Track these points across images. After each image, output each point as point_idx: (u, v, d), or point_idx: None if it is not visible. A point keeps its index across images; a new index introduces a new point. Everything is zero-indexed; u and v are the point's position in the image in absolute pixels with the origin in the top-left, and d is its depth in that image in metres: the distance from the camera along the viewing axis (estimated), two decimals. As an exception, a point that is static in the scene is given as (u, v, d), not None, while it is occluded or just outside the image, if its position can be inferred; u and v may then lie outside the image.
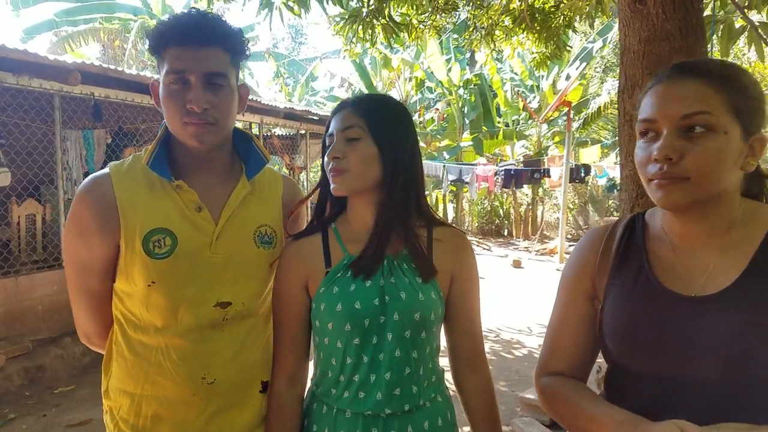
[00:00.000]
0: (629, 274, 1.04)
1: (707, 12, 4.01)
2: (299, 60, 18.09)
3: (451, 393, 1.34)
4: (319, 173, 1.37)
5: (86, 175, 5.83)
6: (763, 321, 0.89)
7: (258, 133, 8.33)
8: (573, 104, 11.78)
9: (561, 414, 1.10)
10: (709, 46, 3.64)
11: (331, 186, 1.22)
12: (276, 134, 10.01)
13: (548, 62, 7.15)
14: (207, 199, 1.24)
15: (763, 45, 3.70)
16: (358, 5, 5.80)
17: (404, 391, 1.20)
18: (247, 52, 1.27)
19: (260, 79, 20.60)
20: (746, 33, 3.76)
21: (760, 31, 3.63)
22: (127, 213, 1.20)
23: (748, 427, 0.84)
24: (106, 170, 1.26)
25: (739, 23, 3.82)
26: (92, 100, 5.46)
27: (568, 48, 7.58)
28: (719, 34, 3.81)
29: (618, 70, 3.21)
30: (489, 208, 17.09)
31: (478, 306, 1.33)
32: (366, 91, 15.65)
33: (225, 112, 1.22)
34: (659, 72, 0.99)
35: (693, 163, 0.90)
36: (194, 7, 1.26)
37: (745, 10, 3.63)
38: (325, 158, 1.23)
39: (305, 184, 9.81)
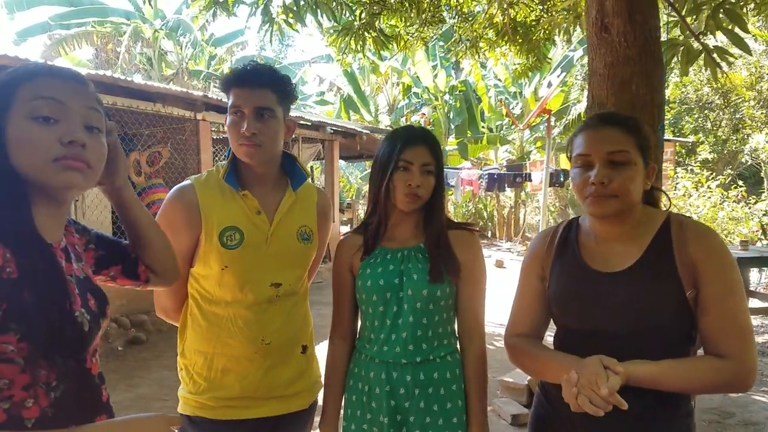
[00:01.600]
0: (566, 259, 1.46)
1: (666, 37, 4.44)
2: (289, 65, 18.40)
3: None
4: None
5: (93, 177, 6.14)
6: (651, 289, 1.30)
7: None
8: (553, 111, 12.25)
9: (524, 362, 1.50)
10: (669, 69, 4.07)
11: (405, 203, 1.60)
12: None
13: (529, 73, 7.60)
14: (264, 205, 1.62)
15: (717, 66, 4.13)
16: (350, 19, 6.15)
17: (416, 347, 1.60)
18: (295, 94, 1.65)
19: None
20: (703, 55, 4.16)
21: (714, 55, 4.07)
22: (207, 214, 1.57)
23: (645, 362, 1.24)
24: (188, 182, 1.63)
25: (697, 46, 4.23)
26: (100, 107, 5.75)
27: (548, 59, 8.01)
28: (679, 57, 4.22)
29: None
30: (473, 211, 17.56)
31: (480, 292, 1.69)
32: (355, 96, 16.06)
33: (270, 138, 1.58)
34: (586, 121, 1.41)
35: (618, 185, 1.30)
36: (253, 61, 1.63)
37: (701, 36, 4.06)
38: (402, 182, 1.57)
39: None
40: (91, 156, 1.04)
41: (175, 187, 1.64)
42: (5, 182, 1.00)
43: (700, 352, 1.34)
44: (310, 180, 1.77)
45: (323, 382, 1.74)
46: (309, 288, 1.82)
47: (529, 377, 4.20)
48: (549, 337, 1.52)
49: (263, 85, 1.55)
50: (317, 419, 1.76)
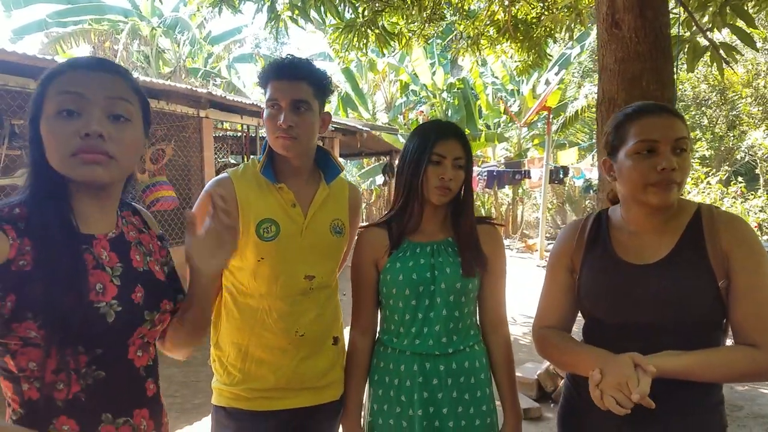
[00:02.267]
0: (597, 252, 1.45)
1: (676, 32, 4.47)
2: (286, 62, 18.36)
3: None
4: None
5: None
6: (685, 280, 1.31)
7: (255, 135, 8.62)
8: (552, 109, 12.29)
9: (552, 354, 1.50)
10: (675, 65, 4.10)
11: (438, 196, 1.61)
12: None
13: (530, 70, 7.65)
14: (298, 198, 1.63)
15: (723, 63, 4.16)
16: (353, 16, 6.17)
17: (449, 338, 1.62)
18: (331, 88, 1.66)
19: (247, 80, 20.76)
20: (709, 51, 4.19)
21: (721, 51, 4.10)
22: (245, 206, 1.58)
23: (678, 353, 1.25)
24: (225, 174, 1.64)
25: (704, 42, 4.27)
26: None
27: (549, 57, 8.05)
28: (686, 53, 4.25)
29: (595, 76, 3.65)
30: (471, 208, 17.57)
31: (502, 284, 1.72)
32: (352, 93, 16.07)
33: (306, 130, 1.59)
34: (640, 107, 1.38)
35: (682, 173, 1.31)
36: (291, 54, 1.64)
37: (707, 32, 4.09)
38: (435, 176, 1.59)
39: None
40: (112, 146, 1.02)
41: (212, 179, 1.65)
42: (43, 177, 1.03)
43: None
44: (342, 175, 1.77)
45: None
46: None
47: (539, 372, 4.23)
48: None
49: (300, 78, 1.57)
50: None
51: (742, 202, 9.63)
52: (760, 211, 10.98)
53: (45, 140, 1.01)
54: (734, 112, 13.76)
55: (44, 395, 1.00)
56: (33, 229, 0.99)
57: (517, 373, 4.21)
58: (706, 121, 14.44)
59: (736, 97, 13.32)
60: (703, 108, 14.25)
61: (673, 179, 1.30)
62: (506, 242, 15.36)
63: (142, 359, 1.12)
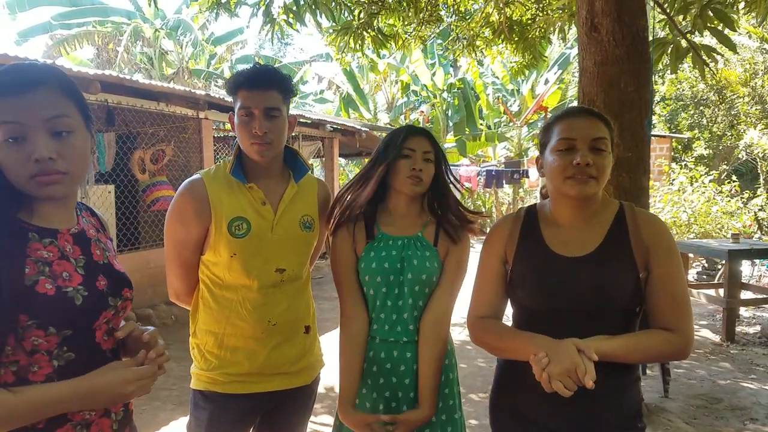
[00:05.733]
0: (530, 244, 1.56)
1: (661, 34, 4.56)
2: (288, 63, 18.47)
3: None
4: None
5: (98, 174, 6.27)
6: (613, 272, 1.43)
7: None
8: (550, 109, 12.37)
9: (491, 341, 1.56)
10: (658, 66, 4.20)
11: (412, 187, 1.73)
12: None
13: (525, 71, 7.74)
14: (268, 196, 1.75)
15: (704, 65, 4.25)
16: (349, 18, 6.27)
17: (416, 327, 1.74)
18: (294, 92, 1.78)
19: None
20: (691, 54, 4.27)
21: (701, 53, 4.19)
22: (217, 206, 1.70)
23: (606, 338, 1.37)
24: (197, 176, 1.76)
25: (686, 44, 4.35)
26: (105, 107, 5.88)
27: (544, 57, 8.13)
28: (668, 54, 4.34)
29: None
30: (472, 207, 17.67)
31: (457, 278, 1.80)
32: (354, 94, 16.21)
33: (278, 135, 1.71)
34: (567, 110, 1.53)
35: (598, 168, 1.42)
36: (258, 62, 1.75)
37: (688, 35, 4.18)
38: (406, 167, 1.72)
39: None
40: (63, 164, 1.10)
41: (185, 182, 1.76)
42: None
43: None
44: (310, 173, 1.89)
45: (339, 363, 1.78)
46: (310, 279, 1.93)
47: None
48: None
49: (271, 87, 1.68)
50: (321, 391, 1.87)
51: (736, 201, 9.70)
52: (760, 210, 11.04)
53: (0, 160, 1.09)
54: (733, 112, 13.80)
55: (19, 377, 1.07)
56: None
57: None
58: (705, 121, 14.49)
59: (735, 96, 13.36)
60: (701, 107, 14.30)
61: (588, 173, 1.42)
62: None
63: (107, 343, 1.21)
